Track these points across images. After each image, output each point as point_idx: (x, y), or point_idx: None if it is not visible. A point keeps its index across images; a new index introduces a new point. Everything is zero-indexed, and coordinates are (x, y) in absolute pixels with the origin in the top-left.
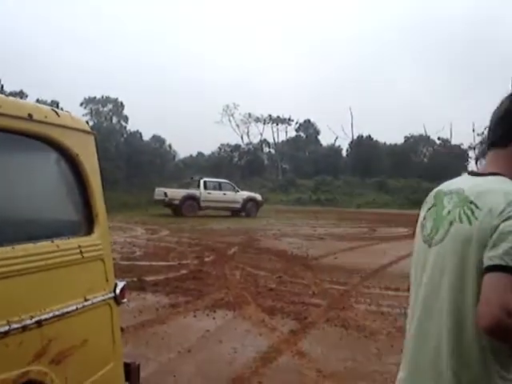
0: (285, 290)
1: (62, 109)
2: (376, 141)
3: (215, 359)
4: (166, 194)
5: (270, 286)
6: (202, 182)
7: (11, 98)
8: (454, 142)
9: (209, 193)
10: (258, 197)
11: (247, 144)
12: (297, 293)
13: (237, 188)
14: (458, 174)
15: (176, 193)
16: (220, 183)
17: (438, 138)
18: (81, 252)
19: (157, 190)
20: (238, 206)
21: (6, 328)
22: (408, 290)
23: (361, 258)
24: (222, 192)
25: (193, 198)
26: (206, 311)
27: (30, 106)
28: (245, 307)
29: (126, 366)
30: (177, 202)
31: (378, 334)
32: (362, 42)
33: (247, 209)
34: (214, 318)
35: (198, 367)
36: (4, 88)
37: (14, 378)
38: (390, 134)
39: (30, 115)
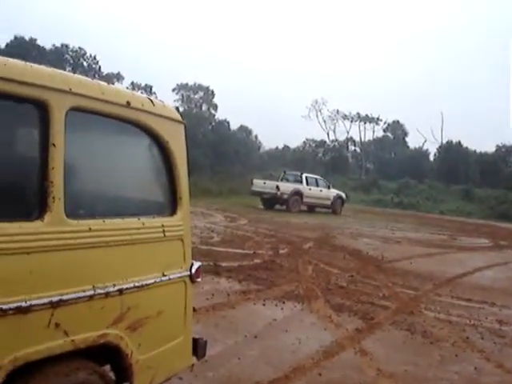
0: (355, 290)
1: (154, 93)
2: (466, 148)
3: (279, 347)
4: (278, 187)
5: (341, 283)
6: (304, 177)
7: (112, 85)
8: None
9: (310, 189)
10: (343, 195)
11: (333, 141)
12: (367, 293)
13: (329, 185)
14: None
15: (286, 187)
16: (317, 179)
17: None
18: (163, 231)
19: (255, 181)
20: (329, 202)
21: (92, 292)
22: (480, 302)
23: (436, 266)
24: (319, 188)
25: (298, 194)
26: (275, 301)
27: (129, 94)
28: (313, 301)
29: (194, 341)
30: (285, 197)
31: (443, 341)
32: (459, 43)
33: (335, 206)
34: (282, 309)
35: (262, 352)
36: (101, 69)
37: (94, 338)
38: (480, 141)
39: (128, 103)
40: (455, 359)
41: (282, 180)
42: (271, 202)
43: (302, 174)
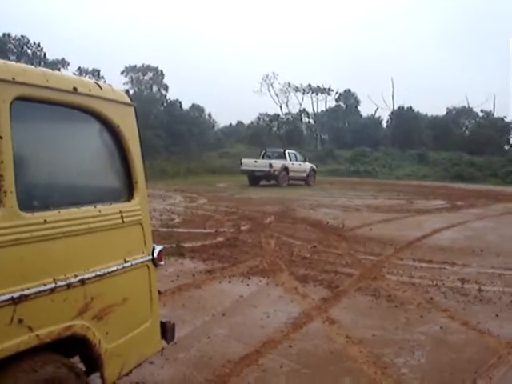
0: (318, 259)
1: (103, 77)
2: (417, 112)
3: (248, 323)
4: (271, 165)
5: (304, 254)
6: (287, 153)
7: (57, 72)
8: (496, 114)
9: (292, 163)
10: (315, 167)
11: (286, 114)
12: (330, 262)
13: (305, 158)
14: (500, 147)
15: (276, 164)
16: (295, 154)
17: (481, 111)
18: (121, 217)
19: (244, 160)
20: (305, 175)
21: (53, 285)
22: (441, 262)
23: (396, 230)
24: (298, 162)
25: (285, 169)
26: (240, 277)
27: (75, 80)
28: (278, 275)
29: (162, 324)
30: (276, 173)
31: (408, 304)
32: (407, 12)
33: (309, 178)
34: (248, 285)
35: (231, 330)
36: (46, 56)
37: (59, 331)
38: (432, 106)
39: (74, 88)
40: (421, 320)
41: (263, 157)
42: (259, 179)
43: (284, 150)
